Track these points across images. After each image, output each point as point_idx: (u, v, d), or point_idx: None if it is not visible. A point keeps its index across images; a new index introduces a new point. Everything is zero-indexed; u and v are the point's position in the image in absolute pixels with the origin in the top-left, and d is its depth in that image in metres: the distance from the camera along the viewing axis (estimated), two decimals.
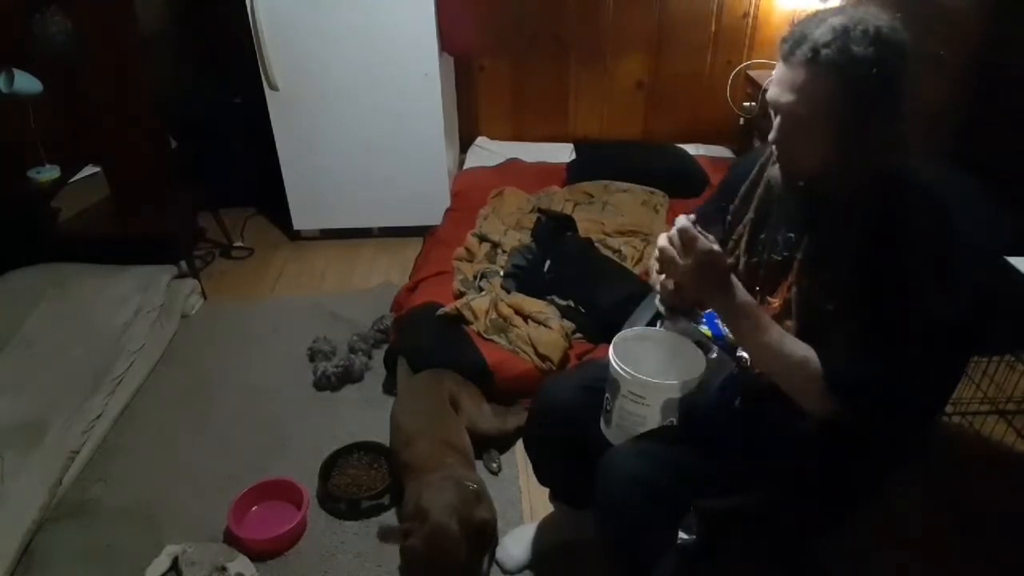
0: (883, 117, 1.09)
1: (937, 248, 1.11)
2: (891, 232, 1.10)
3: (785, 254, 1.24)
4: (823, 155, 1.13)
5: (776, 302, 1.26)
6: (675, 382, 1.24)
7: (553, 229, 2.73)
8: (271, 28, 2.82)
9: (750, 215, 1.31)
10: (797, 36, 1.08)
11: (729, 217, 1.36)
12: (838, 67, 1.05)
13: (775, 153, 1.20)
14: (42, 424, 2.02)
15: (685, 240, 1.16)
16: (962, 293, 1.17)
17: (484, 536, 1.64)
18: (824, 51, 1.04)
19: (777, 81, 1.13)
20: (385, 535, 1.59)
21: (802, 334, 1.18)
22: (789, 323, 1.21)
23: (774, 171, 1.24)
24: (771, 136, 1.17)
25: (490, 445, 2.06)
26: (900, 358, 1.10)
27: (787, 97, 1.11)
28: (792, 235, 1.24)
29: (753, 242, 1.30)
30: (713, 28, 3.50)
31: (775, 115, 1.15)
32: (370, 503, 1.89)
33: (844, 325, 1.13)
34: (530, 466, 1.66)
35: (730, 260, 1.36)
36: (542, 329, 2.25)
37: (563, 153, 3.54)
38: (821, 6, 3.14)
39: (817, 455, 1.24)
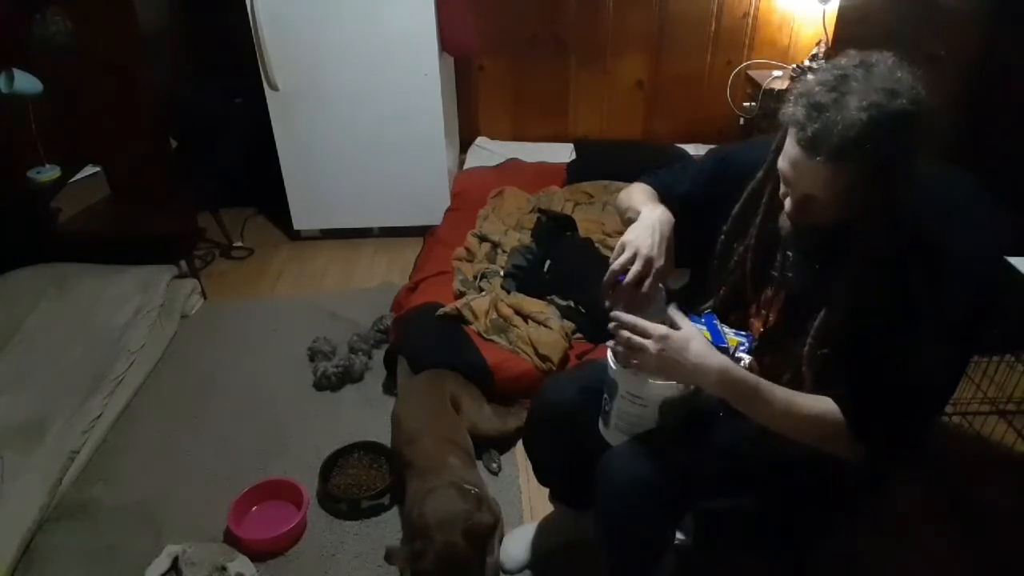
0: (904, 182, 1.06)
1: (935, 285, 1.09)
2: (890, 266, 1.09)
3: (788, 275, 1.23)
4: (840, 220, 1.10)
5: (773, 319, 1.27)
6: (673, 383, 1.24)
7: (553, 229, 2.73)
8: (271, 28, 2.82)
9: (750, 241, 1.27)
10: (819, 128, 1.00)
11: (722, 236, 1.32)
12: (868, 163, 1.00)
13: (788, 217, 1.16)
14: (42, 424, 2.02)
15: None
16: (964, 323, 1.16)
17: (490, 539, 1.63)
18: (854, 151, 0.98)
19: (794, 164, 1.06)
20: (391, 557, 1.54)
21: (810, 356, 1.17)
22: (791, 343, 1.21)
23: (784, 220, 1.19)
24: (787, 212, 1.13)
25: (490, 445, 2.06)
26: (913, 388, 1.10)
27: (809, 186, 1.06)
28: (790, 254, 1.23)
29: (757, 268, 1.28)
30: (713, 28, 3.50)
31: (786, 187, 1.12)
32: (370, 503, 1.89)
33: (848, 353, 1.12)
34: (530, 466, 1.66)
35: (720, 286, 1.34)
36: (542, 329, 2.25)
37: (563, 153, 3.54)
38: (820, 6, 3.17)
39: (816, 455, 1.24)
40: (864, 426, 1.10)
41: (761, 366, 1.27)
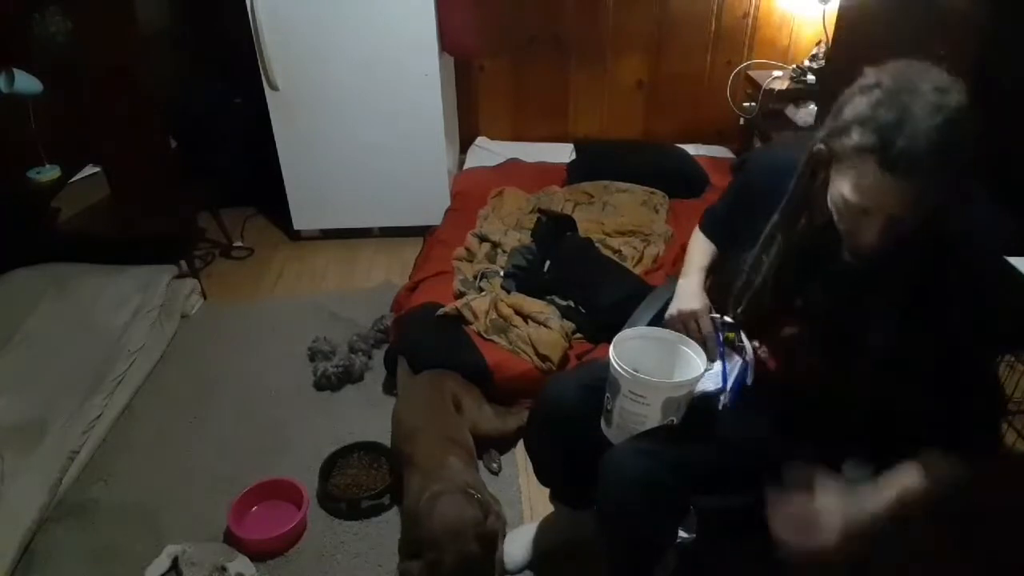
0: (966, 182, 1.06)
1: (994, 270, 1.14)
2: (948, 265, 1.10)
3: (831, 278, 1.21)
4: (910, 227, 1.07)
5: (795, 330, 1.27)
6: (675, 381, 1.24)
7: (553, 229, 2.73)
8: (271, 28, 2.82)
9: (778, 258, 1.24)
10: (903, 145, 0.97)
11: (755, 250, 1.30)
12: (956, 164, 0.99)
13: (868, 244, 1.10)
14: (42, 424, 2.02)
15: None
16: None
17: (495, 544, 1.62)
18: (941, 156, 0.97)
19: (877, 190, 1.01)
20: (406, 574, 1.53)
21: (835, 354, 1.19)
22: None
23: (847, 254, 1.15)
24: (872, 241, 1.07)
25: (490, 445, 2.06)
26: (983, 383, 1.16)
27: (895, 207, 1.02)
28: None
29: (785, 280, 1.26)
30: (713, 28, 3.50)
31: (857, 215, 1.07)
32: (370, 503, 1.89)
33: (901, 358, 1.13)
34: (530, 466, 1.66)
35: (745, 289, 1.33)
36: (542, 329, 2.25)
37: (563, 153, 3.54)
38: (820, 6, 3.16)
39: (817, 455, 1.24)
40: (967, 439, 1.16)
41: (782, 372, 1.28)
